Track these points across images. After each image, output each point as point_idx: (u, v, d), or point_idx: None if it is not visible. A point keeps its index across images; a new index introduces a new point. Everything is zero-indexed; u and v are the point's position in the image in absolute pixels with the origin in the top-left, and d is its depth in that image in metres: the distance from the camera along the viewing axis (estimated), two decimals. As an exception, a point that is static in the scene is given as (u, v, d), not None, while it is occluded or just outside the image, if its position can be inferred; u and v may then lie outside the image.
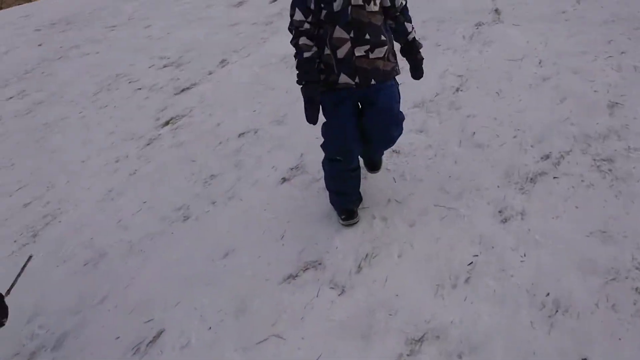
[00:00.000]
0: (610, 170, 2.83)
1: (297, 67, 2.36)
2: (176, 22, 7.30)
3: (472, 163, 3.13)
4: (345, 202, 2.74)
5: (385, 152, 3.10)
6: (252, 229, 2.97)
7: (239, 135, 3.96)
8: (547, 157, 3.04)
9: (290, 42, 2.39)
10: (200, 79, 5.15)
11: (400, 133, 2.60)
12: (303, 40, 2.30)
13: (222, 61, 5.44)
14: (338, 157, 2.55)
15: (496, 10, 5.10)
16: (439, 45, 4.69)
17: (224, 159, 3.72)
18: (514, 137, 3.27)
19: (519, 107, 3.56)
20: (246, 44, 5.76)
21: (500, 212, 2.73)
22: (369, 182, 3.13)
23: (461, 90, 3.91)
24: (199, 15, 7.38)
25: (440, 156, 3.26)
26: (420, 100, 3.90)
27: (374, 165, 3.07)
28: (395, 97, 2.51)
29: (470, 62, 4.26)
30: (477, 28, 4.84)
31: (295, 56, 2.38)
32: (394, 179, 3.15)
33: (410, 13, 2.55)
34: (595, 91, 3.53)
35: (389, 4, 2.35)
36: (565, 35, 4.33)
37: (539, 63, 4.02)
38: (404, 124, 2.66)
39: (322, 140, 2.59)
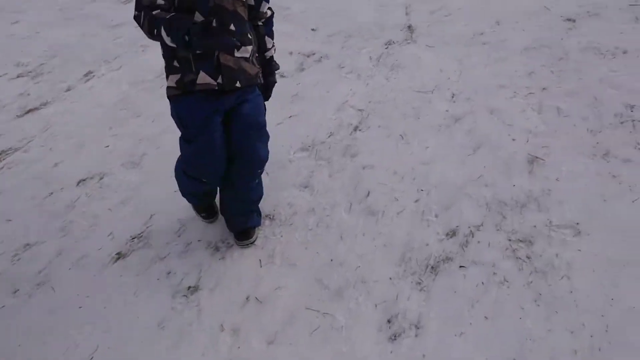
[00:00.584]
0: (528, 257, 2.18)
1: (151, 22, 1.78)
2: (51, 18, 6.06)
3: (362, 240, 2.39)
4: (203, 200, 2.52)
5: (260, 217, 2.49)
6: (52, 344, 2.06)
7: (78, 183, 3.00)
8: (454, 233, 2.35)
9: (139, 23, 1.81)
10: (53, 96, 4.08)
11: (266, 156, 2.27)
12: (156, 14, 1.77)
13: (87, 74, 4.39)
14: (203, 179, 2.19)
15: (409, 27, 4.40)
16: (342, 67, 3.92)
17: (49, 219, 2.76)
18: (416, 201, 2.56)
19: (424, 157, 2.85)
20: (122, 52, 4.73)
21: (389, 322, 2.00)
22: (226, 265, 2.31)
23: (360, 130, 3.16)
24: (80, 11, 6.19)
25: (323, 226, 2.49)
26: (310, 141, 3.11)
27: (244, 233, 2.41)
28: (262, 110, 2.19)
29: (375, 91, 3.53)
30: (387, 48, 4.12)
31: (146, 25, 1.79)
32: (260, 261, 2.34)
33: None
34: (513, 139, 2.89)
35: (253, 2, 2.02)
36: (482, 63, 3.70)
37: (452, 97, 3.35)
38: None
39: (181, 156, 2.21)
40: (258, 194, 2.42)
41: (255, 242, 2.41)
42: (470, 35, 4.10)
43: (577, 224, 2.31)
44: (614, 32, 3.80)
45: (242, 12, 1.95)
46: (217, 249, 2.45)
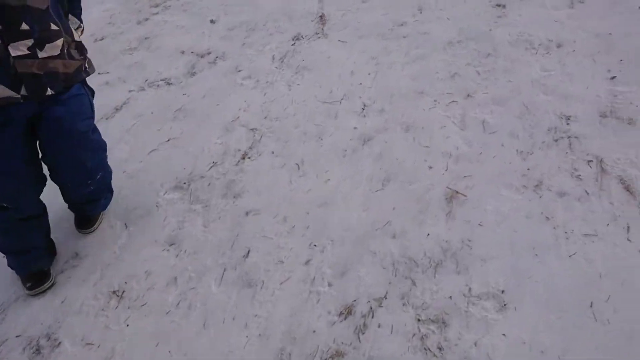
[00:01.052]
0: (440, 348, 1.66)
1: None
2: None
3: (230, 328, 1.81)
4: (29, 261, 1.95)
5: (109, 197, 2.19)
6: None
7: None
8: (349, 312, 1.81)
9: None
10: None
11: (101, 164, 2.02)
12: None
13: None
14: (3, 204, 1.77)
15: (322, 17, 3.72)
16: (239, 70, 3.23)
17: None
18: (306, 262, 2.00)
19: (323, 195, 2.27)
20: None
21: None
22: None
23: (249, 158, 2.53)
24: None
25: (185, 307, 1.91)
26: (186, 175, 2.46)
27: (85, 219, 2.22)
28: (85, 111, 1.84)
29: (273, 104, 2.88)
30: (294, 44, 3.44)
31: None
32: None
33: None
34: (430, 167, 2.33)
35: None
36: (400, 61, 3.09)
37: (363, 109, 2.75)
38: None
39: None
40: (100, 186, 2.09)
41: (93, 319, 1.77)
42: (390, 26, 3.48)
43: (502, 292, 1.79)
44: (548, 20, 3.26)
45: (39, 2, 1.55)
46: (37, 350, 1.79)
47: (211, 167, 2.51)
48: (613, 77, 2.69)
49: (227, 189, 2.38)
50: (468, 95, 2.75)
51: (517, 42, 3.09)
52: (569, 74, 2.76)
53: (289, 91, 2.99)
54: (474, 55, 3.05)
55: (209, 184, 2.42)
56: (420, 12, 3.58)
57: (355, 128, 2.65)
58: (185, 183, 2.44)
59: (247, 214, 2.24)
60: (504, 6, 3.47)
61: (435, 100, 2.75)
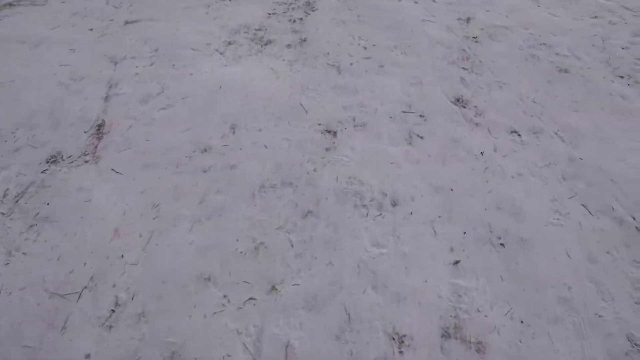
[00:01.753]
0: None
1: None
2: None
3: None
4: None
5: None
6: None
7: None
8: None
9: None
10: None
11: None
12: None
13: None
14: None
15: (99, 128, 2.63)
16: None
17: None
18: None
19: None
20: None
21: None
22: None
23: None
24: None
25: None
26: None
27: None
28: None
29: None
30: (45, 172, 2.31)
31: None
32: None
33: None
34: None
35: None
36: (191, 215, 2.15)
37: (111, 315, 1.68)
38: None
39: None
40: None
41: None
42: (189, 151, 2.52)
43: None
44: (383, 159, 2.59)
45: None
46: None
47: None
48: (456, 262, 2.02)
49: None
50: (272, 287, 1.86)
51: (345, 194, 2.33)
52: (405, 255, 2.04)
53: (4, 267, 1.83)
54: (289, 213, 2.20)
55: None
56: (233, 132, 2.69)
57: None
58: None
59: None
60: (334, 134, 2.72)
61: (225, 297, 1.81)
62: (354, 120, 2.86)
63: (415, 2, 4.46)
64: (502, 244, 2.13)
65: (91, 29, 3.62)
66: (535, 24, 4.18)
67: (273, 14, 4.10)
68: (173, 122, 2.71)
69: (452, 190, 2.39)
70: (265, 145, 2.60)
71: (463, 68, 3.45)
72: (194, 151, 2.53)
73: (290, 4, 4.34)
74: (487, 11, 4.39)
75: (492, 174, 2.50)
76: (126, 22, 3.77)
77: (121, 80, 3.04)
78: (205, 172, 2.41)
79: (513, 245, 2.13)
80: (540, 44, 3.84)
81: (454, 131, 2.81)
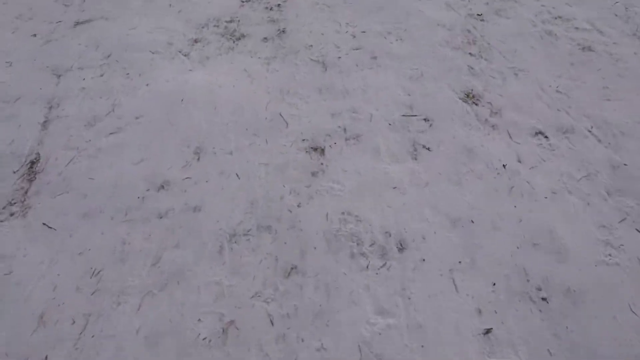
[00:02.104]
0: None
1: None
2: None
3: None
4: None
5: None
6: None
7: None
8: None
9: None
10: None
11: None
12: None
13: None
14: None
15: (32, 165, 2.07)
16: None
17: None
18: None
19: None
20: None
21: None
22: None
23: None
24: None
25: None
26: None
27: None
28: None
29: None
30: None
31: None
32: None
33: None
34: None
35: None
36: (140, 290, 1.55)
37: None
38: None
39: None
40: None
41: None
42: (141, 190, 1.94)
43: None
44: (383, 184, 2.03)
45: None
46: None
47: None
48: (487, 331, 1.47)
49: None
50: None
51: (338, 238, 1.76)
52: (420, 327, 1.49)
53: None
54: (267, 272, 1.64)
55: None
56: (198, 158, 2.10)
57: None
58: None
59: None
60: (322, 152, 2.13)
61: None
62: (345, 131, 2.26)
63: (408, -23, 3.77)
64: (543, 299, 1.58)
65: (35, 35, 2.98)
66: (546, -6, 3.51)
67: (247, 1, 3.44)
68: (123, 151, 2.12)
69: (472, 222, 1.82)
70: (237, 175, 2.02)
71: (470, 54, 2.82)
72: (147, 189, 1.94)
73: (267, -13, 3.66)
74: (491, -18, 3.70)
75: (520, 195, 1.93)
76: (76, 23, 3.12)
77: (64, 98, 2.43)
78: (161, 217, 1.84)
79: (558, 300, 1.57)
80: (555, 18, 3.19)
81: (467, 138, 2.21)
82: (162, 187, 1.95)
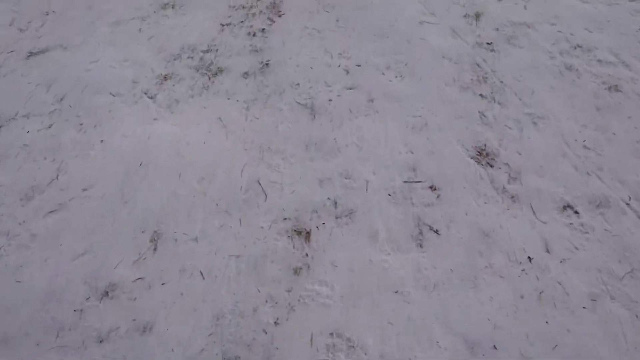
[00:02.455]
0: None
1: None
2: None
3: None
4: None
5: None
6: None
7: None
8: None
9: None
10: None
11: None
12: None
13: None
14: None
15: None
16: None
17: None
18: None
19: None
20: None
21: None
22: None
23: None
24: None
25: None
26: None
27: None
28: None
29: None
30: None
31: None
32: None
33: None
34: None
35: None
36: None
37: None
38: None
39: None
40: None
41: None
42: (81, 296, 1.48)
43: None
44: (383, 286, 1.57)
45: None
46: None
47: None
48: None
49: None
50: None
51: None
52: None
53: None
54: None
55: None
56: (154, 248, 1.64)
57: None
58: None
59: None
60: (307, 236, 1.68)
61: None
62: (335, 205, 1.80)
63: (408, -5, 3.28)
64: None
65: (-21, 69, 2.48)
66: (561, 16, 3.02)
67: (228, 24, 2.93)
68: (63, 239, 1.65)
69: (495, 347, 1.37)
70: (201, 273, 1.56)
71: (480, 95, 2.35)
72: (88, 297, 1.48)
73: (251, 7, 3.15)
74: (499, 1, 3.21)
75: (551, 304, 1.48)
76: (30, 54, 2.62)
77: (2, 158, 1.95)
78: (101, 341, 1.38)
79: None
80: (575, 47, 2.71)
81: (483, 215, 1.76)
82: (107, 293, 1.49)
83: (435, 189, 1.87)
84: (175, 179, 1.85)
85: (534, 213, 1.78)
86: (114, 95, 2.29)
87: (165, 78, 2.44)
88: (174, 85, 2.38)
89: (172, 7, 3.06)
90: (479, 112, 2.24)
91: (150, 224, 1.69)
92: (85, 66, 2.50)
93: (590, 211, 1.79)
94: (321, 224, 1.72)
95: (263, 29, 2.87)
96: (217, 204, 1.77)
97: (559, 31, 2.85)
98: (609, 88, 2.38)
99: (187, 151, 1.97)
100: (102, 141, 2.02)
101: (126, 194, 1.78)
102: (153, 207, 1.75)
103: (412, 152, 2.03)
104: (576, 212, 1.79)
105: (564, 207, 1.81)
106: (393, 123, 2.17)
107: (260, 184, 1.86)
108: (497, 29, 2.86)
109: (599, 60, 2.59)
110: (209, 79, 2.44)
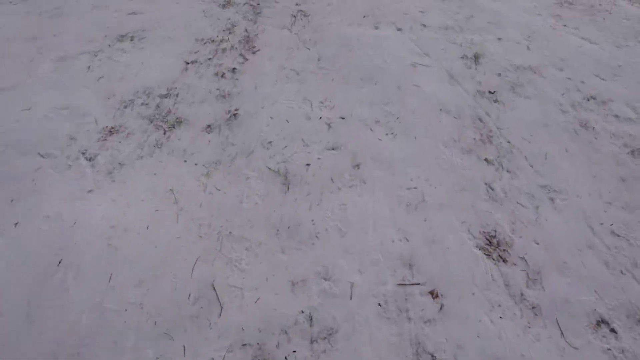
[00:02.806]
0: None
1: None
2: None
3: None
4: None
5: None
6: None
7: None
8: None
9: None
10: None
11: None
12: None
13: None
14: None
15: None
16: None
17: None
18: None
19: None
20: None
21: None
22: None
23: None
24: None
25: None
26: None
27: None
28: None
29: None
30: None
31: None
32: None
33: None
34: None
35: None
36: None
37: None
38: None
39: None
40: None
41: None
42: None
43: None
44: None
45: None
46: None
47: None
48: None
49: None
50: None
51: None
52: None
53: None
54: None
55: None
56: None
57: None
58: None
59: None
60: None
61: None
62: (310, 321, 1.34)
63: (399, 30, 2.85)
64: None
65: None
66: (568, 59, 2.63)
67: (193, 62, 2.46)
68: None
69: None
70: None
71: (486, 160, 1.93)
72: None
73: (221, 41, 2.69)
74: (499, 39, 2.81)
75: None
76: (-50, 98, 2.10)
77: None
78: None
79: None
80: (588, 99, 2.31)
81: (499, 339, 1.32)
82: None
83: (437, 296, 1.42)
84: (104, 284, 1.37)
85: (562, 333, 1.34)
86: (43, 157, 1.79)
87: (111, 132, 1.95)
88: (119, 142, 1.90)
89: (131, 40, 2.58)
90: (485, 183, 1.80)
91: (61, 355, 1.21)
92: (15, 115, 2.00)
93: (630, 328, 1.37)
94: (291, 352, 1.26)
95: (234, 69, 2.41)
96: (155, 322, 1.29)
97: (569, 78, 2.45)
98: (632, 152, 1.98)
99: (124, 242, 1.48)
100: (16, 224, 1.53)
101: (34, 311, 1.29)
102: (69, 330, 1.26)
103: (408, 240, 1.58)
104: (613, 331, 1.36)
105: (598, 323, 1.38)
106: (383, 197, 1.73)
107: (215, 289, 1.39)
108: (500, 74, 2.45)
109: (616, 116, 2.20)
110: (164, 133, 1.97)
